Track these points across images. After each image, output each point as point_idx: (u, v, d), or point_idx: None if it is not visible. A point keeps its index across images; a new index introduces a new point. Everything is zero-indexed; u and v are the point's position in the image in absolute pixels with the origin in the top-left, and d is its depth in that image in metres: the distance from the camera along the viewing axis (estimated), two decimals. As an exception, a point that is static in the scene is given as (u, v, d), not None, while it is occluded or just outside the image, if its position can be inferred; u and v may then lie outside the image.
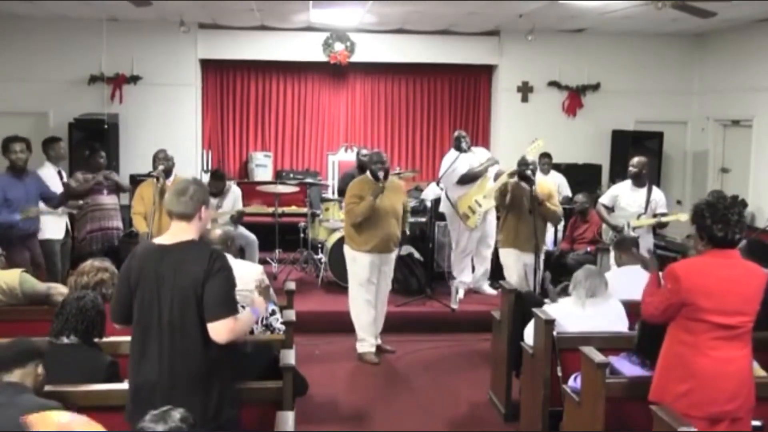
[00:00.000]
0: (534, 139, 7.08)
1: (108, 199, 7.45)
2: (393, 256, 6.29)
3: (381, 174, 5.98)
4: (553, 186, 7.33)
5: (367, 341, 6.29)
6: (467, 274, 7.72)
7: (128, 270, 3.12)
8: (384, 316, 6.43)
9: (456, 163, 7.40)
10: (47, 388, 3.14)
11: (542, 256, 6.35)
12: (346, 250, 6.24)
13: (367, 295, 6.17)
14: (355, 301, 6.24)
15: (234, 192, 7.70)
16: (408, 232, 6.60)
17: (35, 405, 2.83)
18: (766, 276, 3.34)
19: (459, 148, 7.52)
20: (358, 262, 6.15)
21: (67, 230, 6.92)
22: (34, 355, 3.01)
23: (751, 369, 3.30)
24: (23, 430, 2.72)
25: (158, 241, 3.20)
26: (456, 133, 7.71)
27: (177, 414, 2.42)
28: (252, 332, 4.28)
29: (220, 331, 3.02)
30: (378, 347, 6.43)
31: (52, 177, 6.72)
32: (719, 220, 3.18)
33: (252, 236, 7.76)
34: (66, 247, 6.92)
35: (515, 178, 6.49)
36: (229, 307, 3.06)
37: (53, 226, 6.68)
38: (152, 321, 3.05)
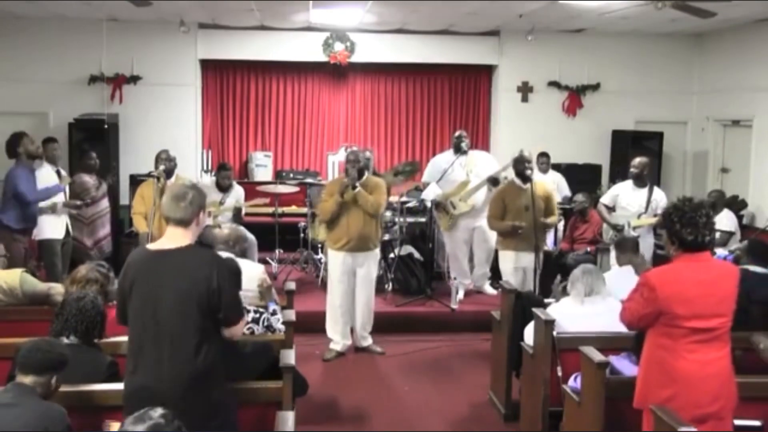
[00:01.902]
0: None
1: (106, 203, 7.59)
2: (370, 255, 6.26)
3: (354, 173, 6.00)
4: (552, 186, 7.33)
5: (333, 341, 6.35)
6: (466, 276, 7.71)
7: (124, 276, 3.13)
8: (368, 318, 6.43)
9: (453, 166, 7.40)
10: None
11: (542, 256, 6.33)
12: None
13: (337, 295, 6.25)
14: (329, 298, 6.36)
15: (237, 191, 7.71)
16: (379, 240, 6.47)
17: (38, 409, 2.83)
18: (738, 272, 3.34)
19: (459, 149, 7.51)
20: (331, 260, 6.32)
21: (67, 230, 6.92)
22: (57, 367, 2.99)
23: (731, 368, 3.28)
24: (26, 430, 2.73)
25: (155, 246, 3.19)
26: (457, 133, 7.69)
27: (155, 413, 2.38)
28: (252, 332, 4.29)
29: (236, 331, 3.22)
30: (366, 348, 6.46)
31: (49, 175, 6.74)
32: (687, 224, 3.17)
33: (251, 237, 7.75)
34: (66, 247, 6.92)
35: (510, 178, 6.52)
36: (242, 310, 3.26)
37: (53, 226, 6.69)
38: (150, 325, 3.04)
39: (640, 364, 3.39)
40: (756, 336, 3.86)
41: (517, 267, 6.33)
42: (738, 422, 3.43)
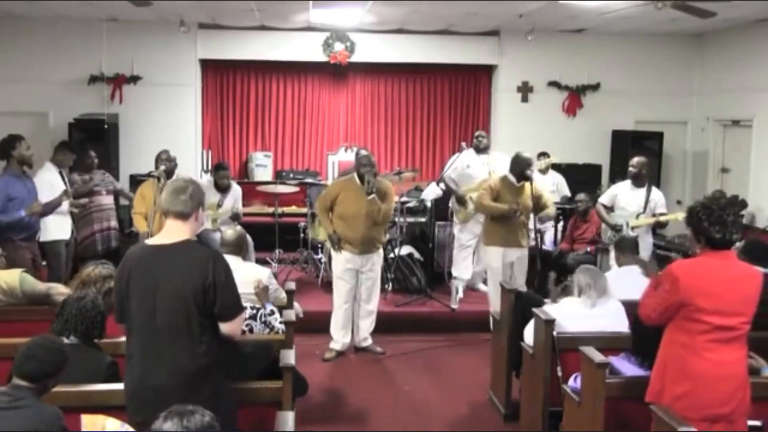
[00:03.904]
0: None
1: (107, 200, 7.57)
2: (374, 256, 6.27)
3: (371, 185, 5.97)
4: (552, 187, 7.36)
5: (333, 340, 6.36)
6: (466, 271, 7.70)
7: (123, 271, 3.13)
8: (371, 318, 6.44)
9: (475, 163, 7.47)
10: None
11: (526, 251, 6.45)
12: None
13: (341, 293, 6.26)
14: (334, 297, 6.35)
15: (235, 191, 7.70)
16: (384, 241, 6.55)
17: (34, 412, 2.82)
18: (762, 277, 3.34)
19: (478, 149, 7.54)
20: (336, 259, 6.30)
21: (72, 230, 6.87)
22: (53, 374, 2.95)
23: (746, 371, 3.29)
24: (25, 430, 2.73)
25: (153, 241, 3.20)
26: (476, 133, 7.72)
27: (201, 420, 2.29)
28: (252, 330, 4.29)
29: (234, 328, 3.16)
30: (366, 348, 6.47)
31: (53, 177, 6.68)
32: (716, 222, 3.18)
33: (249, 237, 7.75)
34: (70, 247, 6.88)
35: (503, 174, 6.55)
36: (240, 307, 3.20)
37: (59, 227, 6.61)
38: (149, 321, 3.04)
39: (657, 360, 3.37)
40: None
41: (505, 263, 6.39)
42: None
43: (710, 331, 3.16)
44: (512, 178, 6.38)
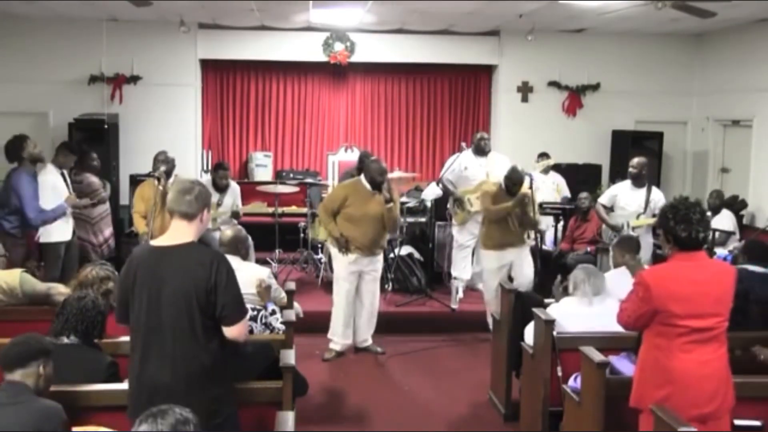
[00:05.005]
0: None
1: (107, 205, 7.62)
2: (376, 258, 6.29)
3: (386, 192, 5.97)
4: (552, 187, 7.38)
5: (333, 341, 6.36)
6: (466, 271, 7.71)
7: (127, 272, 3.12)
8: (372, 319, 6.45)
9: (473, 165, 7.47)
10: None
11: (527, 249, 6.52)
12: (331, 246, 6.40)
13: (343, 294, 6.26)
14: (335, 297, 6.35)
15: (234, 189, 7.69)
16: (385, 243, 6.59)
17: (34, 407, 2.83)
18: (735, 272, 3.35)
19: (480, 151, 7.54)
20: (338, 259, 6.28)
21: (73, 230, 6.86)
22: (37, 355, 2.97)
23: (727, 369, 3.28)
24: (23, 430, 2.73)
25: (157, 242, 3.19)
26: (479, 135, 7.72)
27: (174, 416, 2.27)
28: (252, 332, 4.29)
29: (236, 333, 3.11)
30: (366, 348, 6.47)
31: (55, 179, 6.67)
32: (681, 220, 3.18)
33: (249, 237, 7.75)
34: (72, 247, 6.84)
35: (493, 183, 6.65)
36: (243, 310, 3.16)
37: (61, 229, 6.59)
38: (151, 322, 3.04)
39: (637, 364, 3.39)
40: (757, 348, 3.88)
41: (501, 266, 6.47)
42: (738, 422, 3.43)
43: (687, 334, 3.16)
44: (504, 189, 6.48)
